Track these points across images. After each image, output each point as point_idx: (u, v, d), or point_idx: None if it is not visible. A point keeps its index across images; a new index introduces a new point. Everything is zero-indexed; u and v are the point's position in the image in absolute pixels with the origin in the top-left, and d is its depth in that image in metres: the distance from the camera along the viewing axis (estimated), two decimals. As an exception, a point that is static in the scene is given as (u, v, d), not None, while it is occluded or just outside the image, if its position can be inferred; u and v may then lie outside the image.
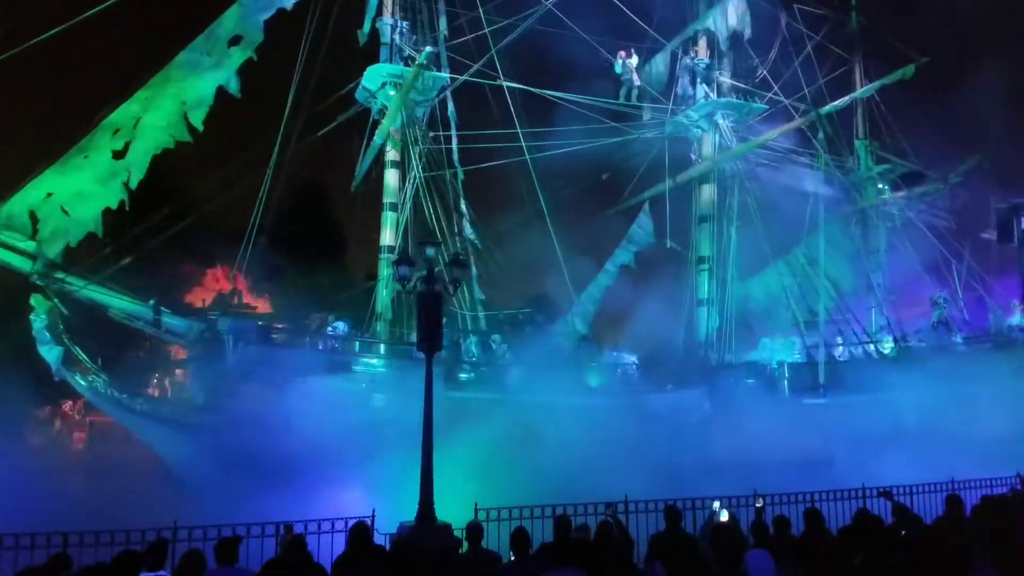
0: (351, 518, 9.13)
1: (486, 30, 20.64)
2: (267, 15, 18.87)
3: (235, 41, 18.56)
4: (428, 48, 19.38)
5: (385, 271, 20.41)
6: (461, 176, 23.22)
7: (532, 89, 22.27)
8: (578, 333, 24.91)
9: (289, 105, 20.14)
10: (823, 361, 21.42)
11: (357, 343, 18.12)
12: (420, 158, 20.70)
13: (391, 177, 21.06)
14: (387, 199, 20.99)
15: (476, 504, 10.95)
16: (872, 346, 23.02)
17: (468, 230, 23.51)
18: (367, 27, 21.80)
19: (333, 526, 10.17)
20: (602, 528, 8.35)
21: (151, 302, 17.93)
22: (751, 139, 24.99)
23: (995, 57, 29.02)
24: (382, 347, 18.56)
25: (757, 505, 11.40)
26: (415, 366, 17.50)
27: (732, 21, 23.81)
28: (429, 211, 21.01)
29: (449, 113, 22.92)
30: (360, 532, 7.81)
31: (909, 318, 27.62)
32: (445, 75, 21.22)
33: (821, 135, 22.74)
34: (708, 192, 25.33)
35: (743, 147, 23.79)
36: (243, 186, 19.90)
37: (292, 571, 7.02)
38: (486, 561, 7.67)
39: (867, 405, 20.81)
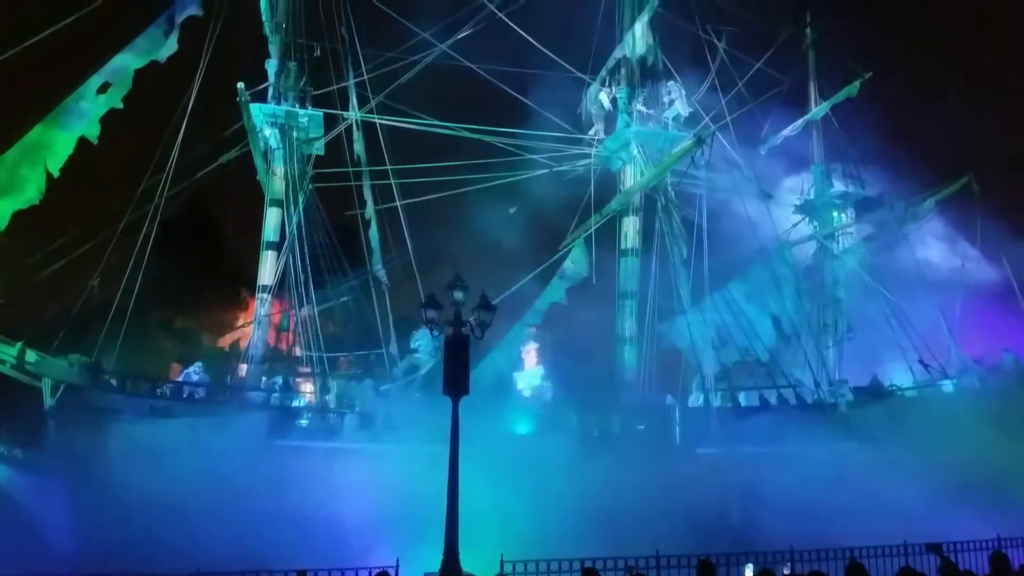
0: (375, 568, 9.36)
1: (364, 76, 20.49)
2: (139, 65, 19.27)
3: (103, 89, 18.99)
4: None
5: (261, 311, 20.21)
6: (371, 213, 23.00)
7: (422, 126, 21.89)
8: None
9: (179, 141, 20.24)
10: (716, 405, 19.68)
11: (183, 389, 17.81)
12: (297, 198, 20.49)
13: (272, 216, 20.95)
14: (266, 238, 20.89)
15: (502, 556, 10.94)
16: (792, 392, 20.93)
17: (379, 268, 23.17)
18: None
19: (356, 574, 10.41)
20: None
21: (18, 344, 18.21)
22: (680, 171, 23.56)
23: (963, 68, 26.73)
24: (208, 391, 18.14)
25: (786, 573, 11.22)
26: (243, 412, 17.22)
27: (640, 48, 22.71)
28: (316, 249, 20.75)
29: (356, 150, 22.79)
30: None
31: (874, 358, 25.32)
32: (319, 112, 21.12)
33: (708, 158, 21.17)
34: (631, 225, 24.03)
35: (646, 178, 22.47)
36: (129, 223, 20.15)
37: None
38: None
39: (772, 458, 18.95)
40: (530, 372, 24.29)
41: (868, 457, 19.32)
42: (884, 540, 13.60)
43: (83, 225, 21.24)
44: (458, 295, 12.06)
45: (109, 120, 19.45)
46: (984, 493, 17.09)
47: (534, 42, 22.61)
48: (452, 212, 24.87)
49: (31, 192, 18.36)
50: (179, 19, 19.96)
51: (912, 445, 19.00)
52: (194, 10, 19.68)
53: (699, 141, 20.03)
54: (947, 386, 23.33)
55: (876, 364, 24.73)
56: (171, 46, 19.32)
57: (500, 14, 22.74)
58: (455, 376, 11.80)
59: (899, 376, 23.84)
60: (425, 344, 19.88)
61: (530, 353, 24.36)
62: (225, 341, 28.23)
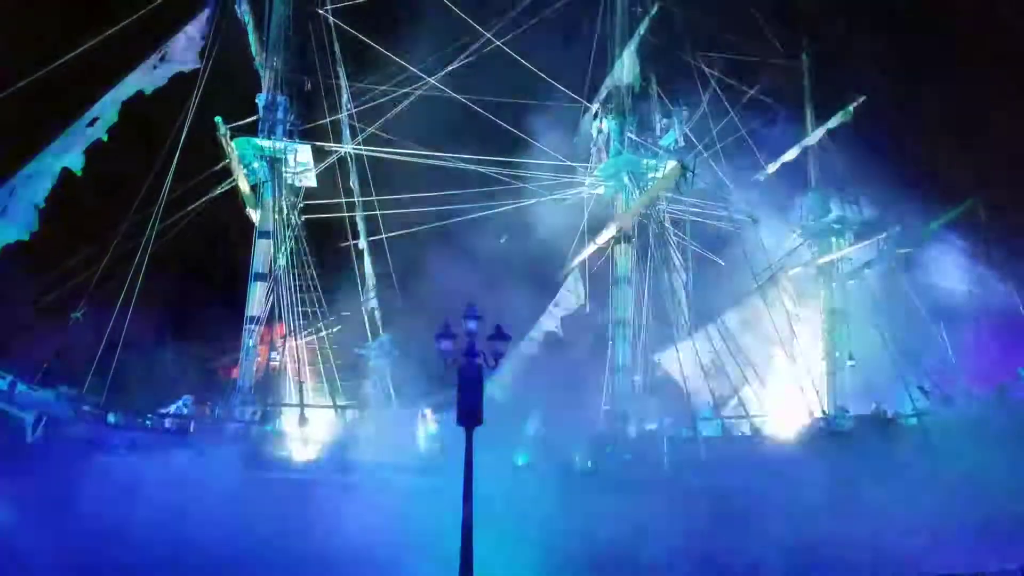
0: None
1: (352, 109, 20.61)
2: (126, 96, 19.55)
3: (92, 122, 19.26)
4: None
5: (248, 342, 20.21)
6: (364, 244, 23.06)
7: (413, 157, 22.02)
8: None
9: (171, 173, 20.36)
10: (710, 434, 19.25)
11: (148, 420, 17.72)
12: (288, 230, 20.60)
13: (261, 247, 21.06)
14: (255, 269, 20.96)
15: None
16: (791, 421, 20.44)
17: (372, 300, 23.10)
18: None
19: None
20: None
21: (8, 377, 18.24)
22: (671, 197, 23.45)
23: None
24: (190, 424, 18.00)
25: None
26: (224, 445, 17.08)
27: (629, 77, 22.77)
28: (302, 282, 20.79)
29: (352, 182, 22.92)
30: None
31: (877, 385, 24.68)
32: (307, 144, 21.33)
33: (690, 184, 20.97)
34: (623, 252, 23.85)
35: (633, 205, 22.34)
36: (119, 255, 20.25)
37: None
38: None
39: (774, 487, 18.39)
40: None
41: (875, 486, 18.76)
42: (899, 570, 13.01)
43: (78, 256, 21.50)
44: (471, 325, 11.83)
45: (103, 154, 19.79)
46: (1003, 522, 16.55)
47: (531, 67, 22.76)
48: (448, 241, 24.90)
49: (21, 225, 18.60)
50: (172, 55, 20.31)
51: (921, 473, 18.48)
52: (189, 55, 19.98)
53: (683, 168, 19.91)
54: (952, 413, 22.66)
55: (878, 391, 24.13)
56: (162, 80, 19.62)
57: (499, 42, 22.94)
58: (469, 407, 11.59)
59: (902, 403, 23.23)
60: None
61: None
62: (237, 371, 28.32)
